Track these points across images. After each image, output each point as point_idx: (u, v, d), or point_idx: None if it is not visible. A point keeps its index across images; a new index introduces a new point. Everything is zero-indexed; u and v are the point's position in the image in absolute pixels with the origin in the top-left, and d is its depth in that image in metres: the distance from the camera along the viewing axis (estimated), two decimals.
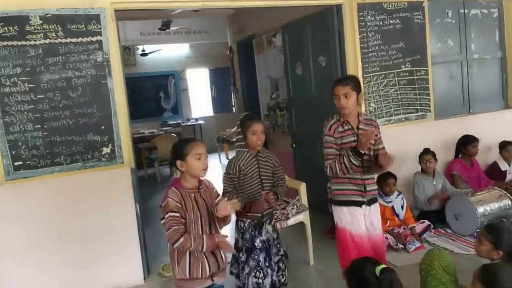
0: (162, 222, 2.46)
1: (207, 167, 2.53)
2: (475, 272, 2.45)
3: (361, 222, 2.98)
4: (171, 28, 9.28)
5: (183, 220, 2.45)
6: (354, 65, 4.66)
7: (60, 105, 3.60)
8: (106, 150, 3.75)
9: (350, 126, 2.95)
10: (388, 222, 4.36)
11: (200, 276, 2.52)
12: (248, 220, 3.04)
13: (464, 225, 4.38)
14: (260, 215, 3.02)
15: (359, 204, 2.98)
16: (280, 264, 3.15)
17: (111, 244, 3.78)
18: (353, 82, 2.95)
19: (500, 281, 2.31)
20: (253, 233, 3.03)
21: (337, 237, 3.10)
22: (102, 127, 3.72)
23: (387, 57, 4.79)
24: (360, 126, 2.96)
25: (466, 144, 5.07)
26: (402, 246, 4.13)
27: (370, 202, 3.02)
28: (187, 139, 2.68)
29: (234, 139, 3.64)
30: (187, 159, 2.48)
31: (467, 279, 2.50)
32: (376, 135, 3.00)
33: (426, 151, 4.77)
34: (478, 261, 2.69)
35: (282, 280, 3.15)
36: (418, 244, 4.12)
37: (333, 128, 2.95)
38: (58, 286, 3.68)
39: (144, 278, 3.95)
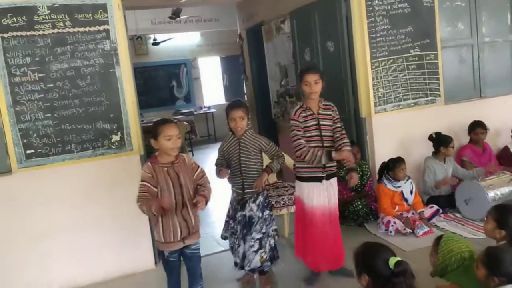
0: None
1: (176, 147, 2.79)
2: (478, 256, 2.45)
3: (315, 196, 3.33)
4: (181, 17, 9.29)
5: (155, 189, 2.76)
6: (362, 50, 4.62)
7: (70, 94, 3.66)
8: (115, 137, 3.80)
9: (311, 112, 3.31)
10: (397, 207, 4.36)
11: (172, 240, 2.82)
12: (234, 194, 3.42)
13: (474, 209, 4.37)
14: (241, 191, 3.32)
15: (319, 179, 3.31)
16: (263, 242, 3.32)
17: (122, 230, 3.86)
18: (320, 72, 3.34)
19: (503, 265, 2.30)
20: (236, 206, 3.38)
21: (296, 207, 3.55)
22: (111, 115, 3.77)
23: (396, 42, 4.73)
24: (320, 111, 3.33)
25: (470, 130, 5.05)
26: (410, 230, 4.13)
27: (329, 177, 3.36)
28: (162, 120, 2.89)
29: None
30: (159, 139, 2.76)
31: None
32: (334, 117, 3.37)
33: (449, 140, 4.69)
34: (488, 246, 2.68)
35: (264, 256, 3.33)
36: (426, 229, 4.11)
37: (297, 113, 3.30)
38: (70, 273, 3.77)
39: (155, 263, 4.01)
